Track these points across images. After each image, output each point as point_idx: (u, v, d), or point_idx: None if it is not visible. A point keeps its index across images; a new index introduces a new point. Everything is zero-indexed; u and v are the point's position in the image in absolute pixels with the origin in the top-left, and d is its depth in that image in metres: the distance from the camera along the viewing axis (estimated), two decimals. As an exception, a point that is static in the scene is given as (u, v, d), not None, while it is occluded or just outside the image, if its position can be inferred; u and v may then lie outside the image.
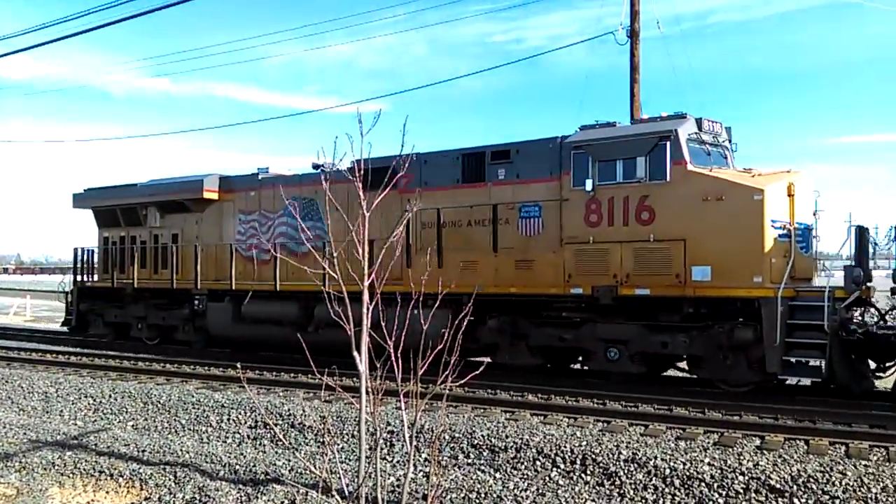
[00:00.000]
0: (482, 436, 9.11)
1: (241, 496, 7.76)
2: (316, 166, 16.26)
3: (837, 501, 6.96)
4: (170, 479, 8.34)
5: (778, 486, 7.27)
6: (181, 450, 9.47)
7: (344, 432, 9.74)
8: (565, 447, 8.56)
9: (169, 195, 19.26)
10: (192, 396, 11.94)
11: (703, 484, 7.55)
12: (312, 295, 14.99)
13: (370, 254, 12.98)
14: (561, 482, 8.06)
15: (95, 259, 21.11)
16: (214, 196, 18.40)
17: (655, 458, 8.06)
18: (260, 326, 16.72)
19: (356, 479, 5.47)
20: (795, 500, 7.09)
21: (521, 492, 7.80)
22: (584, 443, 8.67)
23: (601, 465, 8.15)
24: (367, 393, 5.05)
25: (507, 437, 9.03)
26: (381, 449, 9.05)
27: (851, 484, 7.11)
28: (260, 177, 18.01)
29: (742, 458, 7.96)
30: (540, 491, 7.81)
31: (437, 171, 14.82)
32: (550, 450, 8.57)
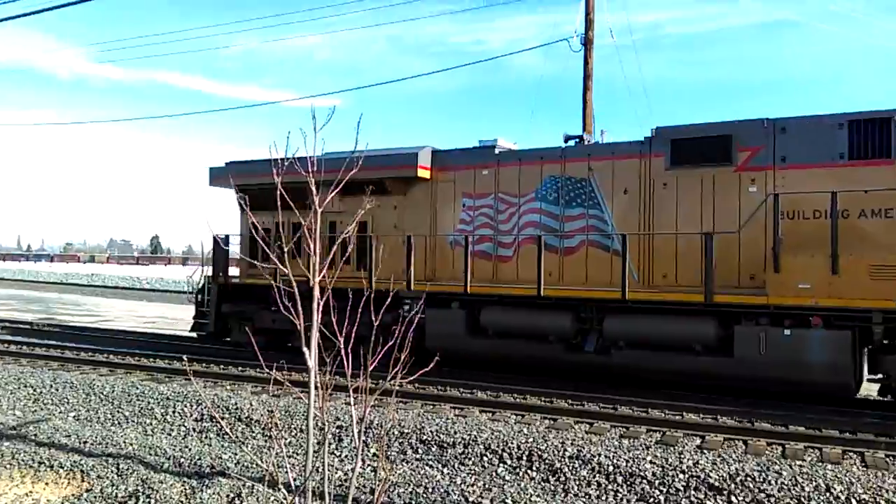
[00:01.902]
0: (431, 431, 9.16)
1: (185, 489, 7.66)
2: (569, 138, 14.05)
3: (773, 499, 7.21)
4: (112, 471, 8.19)
5: (717, 483, 7.49)
6: (124, 442, 9.29)
7: (292, 427, 9.68)
8: (512, 443, 8.67)
9: (360, 172, 17.13)
10: (137, 388, 11.72)
11: (644, 481, 7.73)
12: (593, 303, 12.64)
13: (706, 249, 11.30)
14: (507, 477, 8.16)
15: (232, 250, 16.95)
16: (426, 175, 14.88)
17: (599, 455, 8.22)
18: (507, 342, 13.33)
19: (304, 474, 5.45)
20: (733, 498, 7.32)
21: (468, 487, 7.87)
22: (531, 439, 8.79)
23: (547, 461, 8.28)
24: (316, 388, 5.04)
25: (455, 432, 9.11)
26: (330, 444, 9.05)
27: (787, 483, 7.37)
28: (497, 150, 14.57)
29: (683, 456, 8.17)
30: (487, 486, 7.89)
31: (806, 141, 11.53)
32: (498, 446, 8.67)
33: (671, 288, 12.31)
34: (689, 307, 11.71)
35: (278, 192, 17.15)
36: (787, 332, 10.86)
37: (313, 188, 5.34)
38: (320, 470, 5.47)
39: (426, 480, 8.02)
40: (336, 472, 8.14)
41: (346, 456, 8.89)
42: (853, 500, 7.00)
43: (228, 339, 16.79)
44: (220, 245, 16.38)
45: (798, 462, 8.08)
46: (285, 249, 6.62)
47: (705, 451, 8.48)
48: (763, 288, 11.24)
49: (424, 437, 9.07)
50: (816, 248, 10.78)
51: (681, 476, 7.68)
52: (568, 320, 12.69)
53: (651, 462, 8.02)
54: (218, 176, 17.12)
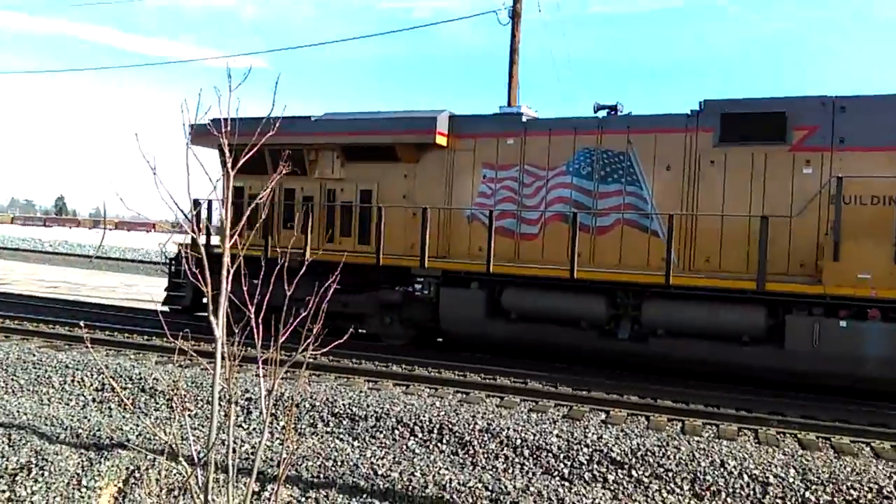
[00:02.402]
0: (343, 404, 9.11)
1: (82, 461, 7.38)
2: (601, 107, 12.91)
3: (671, 473, 7.51)
4: (2, 442, 7.79)
5: (619, 458, 7.74)
6: (18, 411, 8.85)
7: (199, 398, 9.44)
8: (424, 417, 8.71)
9: (367, 136, 13.98)
10: (34, 355, 11.15)
11: (550, 454, 7.92)
12: (630, 288, 11.76)
13: (762, 233, 10.23)
14: (417, 450, 8.21)
15: (215, 217, 15.56)
16: (443, 142, 13.56)
17: (508, 428, 8.36)
18: (532, 326, 12.30)
19: (207, 446, 5.31)
20: (633, 472, 7.58)
21: (377, 459, 7.87)
22: (443, 413, 8.86)
23: (457, 434, 8.36)
24: (224, 358, 4.89)
25: (368, 406, 9.08)
26: (238, 416, 8.88)
27: (684, 458, 7.68)
28: (524, 118, 13.41)
29: (588, 430, 8.40)
30: (396, 459, 7.92)
31: (867, 123, 10.81)
32: (410, 419, 8.70)
33: (713, 273, 11.63)
34: (737, 294, 11.08)
35: (267, 155, 13.92)
36: (843, 323, 10.39)
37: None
38: (226, 442, 5.34)
39: (336, 453, 7.98)
40: (243, 446, 8.00)
41: (254, 429, 8.73)
42: (745, 475, 7.36)
43: (204, 313, 15.99)
44: (199, 210, 14.77)
45: (696, 438, 8.44)
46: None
47: (609, 426, 8.75)
48: (814, 276, 10.80)
49: (336, 410, 9.00)
50: (879, 237, 10.29)
51: (585, 450, 7.90)
52: (602, 305, 11.83)
53: (557, 436, 8.21)
54: (200, 133, 16.03)
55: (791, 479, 7.27)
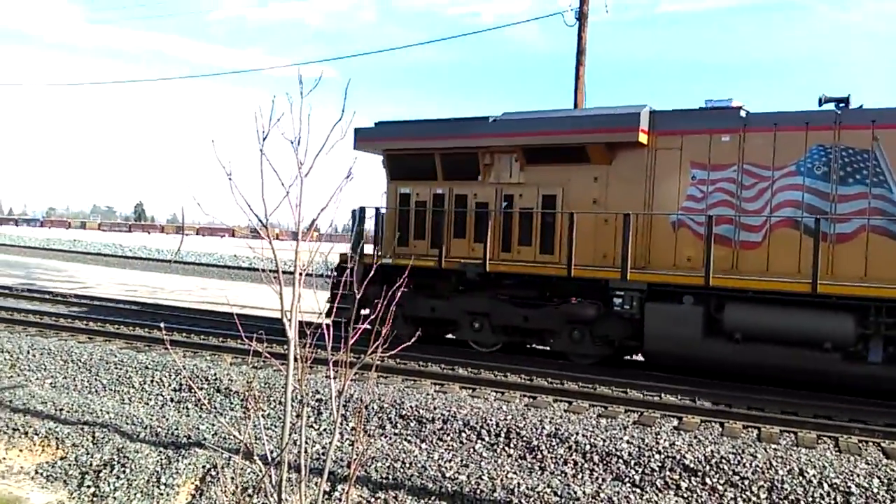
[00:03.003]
0: (410, 406, 9.17)
1: (161, 459, 7.65)
2: (829, 100, 11.43)
3: (746, 482, 7.28)
4: (87, 440, 8.15)
5: (692, 465, 7.56)
6: (101, 410, 9.24)
7: (271, 399, 9.66)
8: (491, 420, 8.70)
9: (553, 136, 12.73)
10: (115, 356, 11.63)
11: (620, 460, 7.79)
12: (887, 303, 10.14)
13: None
14: (485, 454, 8.20)
15: (367, 225, 14.36)
16: (644, 140, 12.22)
17: (577, 433, 8.27)
18: (759, 347, 10.80)
19: (280, 446, 5.43)
20: (707, 480, 7.39)
21: (445, 462, 7.90)
22: (510, 416, 8.82)
23: (525, 438, 8.32)
24: (296, 360, 5.00)
25: (435, 408, 9.12)
26: (309, 417, 9.05)
27: (760, 465, 7.44)
28: (743, 112, 11.80)
29: (660, 437, 8.23)
30: (464, 462, 7.93)
31: None
32: (477, 422, 8.70)
33: None
34: None
35: (437, 159, 14.05)
36: None
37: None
38: (297, 443, 5.45)
39: (404, 455, 8.04)
40: (314, 446, 8.15)
41: (324, 430, 8.88)
42: (825, 484, 7.09)
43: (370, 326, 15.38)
44: (363, 219, 14.09)
45: (773, 445, 8.16)
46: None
47: (682, 433, 8.55)
48: None
49: (404, 413, 9.08)
50: None
51: (657, 456, 7.75)
52: (850, 323, 10.28)
53: (628, 442, 8.08)
54: (364, 138, 14.45)
55: (875, 489, 6.96)
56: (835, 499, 6.96)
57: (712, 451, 7.72)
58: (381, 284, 14.51)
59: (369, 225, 14.25)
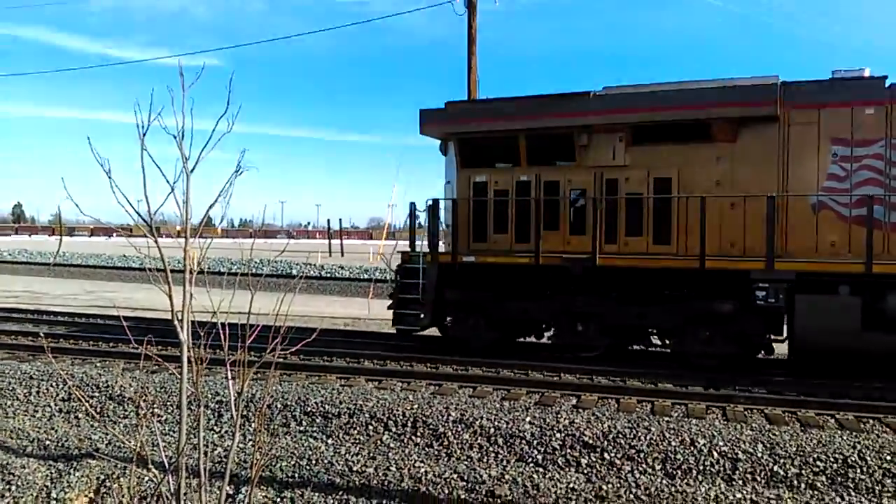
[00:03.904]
0: (316, 403, 9.07)
1: (50, 473, 7.26)
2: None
3: (642, 454, 7.62)
4: (-34, 459, 7.62)
5: (591, 441, 7.83)
6: (-19, 426, 8.67)
7: (168, 404, 9.32)
8: (398, 411, 8.72)
9: (670, 111, 11.38)
10: (-4, 368, 10.91)
11: (524, 441, 7.99)
12: None
13: None
14: (392, 445, 8.22)
15: (443, 217, 12.92)
16: (775, 114, 10.97)
17: (482, 418, 8.41)
18: None
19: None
20: (606, 455, 7.68)
21: (352, 456, 7.87)
22: (416, 406, 8.87)
23: (431, 426, 8.38)
24: (190, 362, 4.84)
25: (340, 403, 9.05)
26: (210, 419, 8.80)
27: (655, 438, 7.79)
28: (888, 83, 10.65)
29: (560, 416, 8.49)
30: (371, 454, 7.92)
31: None
32: (383, 414, 8.70)
33: None
34: None
35: (522, 142, 12.28)
36: None
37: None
38: (197, 447, 5.29)
39: (310, 452, 7.96)
40: (216, 449, 7.94)
41: (226, 432, 8.66)
42: (715, 452, 7.50)
43: (440, 333, 13.20)
44: (435, 214, 12.62)
45: (665, 418, 8.57)
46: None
47: (581, 411, 8.84)
48: None
49: (309, 409, 8.96)
50: None
51: (558, 435, 7.98)
52: None
53: (530, 423, 8.28)
54: (431, 121, 12.85)
55: (760, 455, 7.42)
56: (724, 465, 7.38)
57: (609, 427, 8.03)
58: (458, 286, 12.28)
59: (443, 219, 12.78)
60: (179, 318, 4.61)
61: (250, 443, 8.08)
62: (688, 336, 11.25)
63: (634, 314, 11.48)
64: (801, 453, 7.36)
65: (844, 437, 7.80)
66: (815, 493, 7.02)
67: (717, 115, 11.17)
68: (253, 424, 8.44)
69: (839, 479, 7.11)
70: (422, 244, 13.09)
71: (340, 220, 70.13)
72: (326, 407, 8.96)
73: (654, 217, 11.64)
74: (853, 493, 6.98)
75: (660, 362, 11.69)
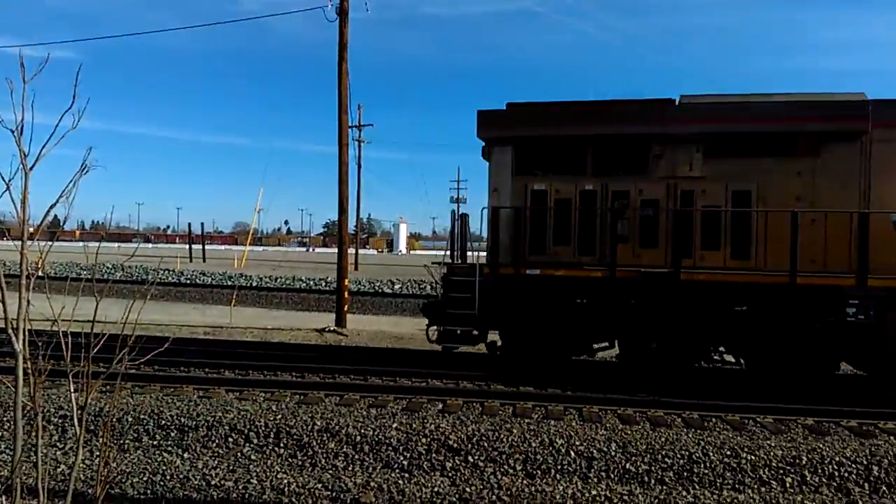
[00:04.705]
0: (171, 416, 8.63)
1: None
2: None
3: (504, 456, 7.79)
4: None
5: (455, 445, 7.93)
6: None
7: (4, 420, 8.56)
8: (260, 422, 8.45)
9: (754, 124, 11.19)
10: None
11: (390, 448, 7.96)
12: None
13: None
14: (253, 457, 7.95)
15: (502, 228, 11.88)
16: (863, 128, 10.96)
17: (348, 426, 8.31)
18: None
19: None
20: (470, 458, 7.80)
21: (210, 470, 7.55)
22: (280, 416, 8.64)
23: (295, 437, 8.19)
24: (27, 374, 4.45)
25: (198, 415, 8.66)
26: (52, 436, 8.17)
27: (516, 440, 8.00)
28: None
29: (426, 421, 8.54)
30: (231, 468, 7.63)
31: None
32: (244, 425, 8.40)
33: None
34: None
35: (589, 150, 11.47)
36: None
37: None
38: (36, 464, 4.87)
39: (164, 467, 7.56)
40: (58, 467, 7.37)
41: (70, 448, 8.06)
42: (572, 452, 7.80)
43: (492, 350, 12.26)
44: (498, 222, 11.77)
45: (526, 420, 8.82)
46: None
47: (447, 415, 8.94)
48: None
49: (163, 422, 8.51)
50: None
51: (423, 440, 8.02)
52: None
53: (397, 429, 8.27)
54: (492, 122, 12.13)
55: (613, 453, 7.79)
56: (580, 464, 7.69)
57: (473, 430, 8.16)
58: (519, 300, 11.45)
59: (503, 230, 11.83)
60: (14, 326, 4.23)
61: (98, 459, 7.56)
62: (771, 353, 10.94)
63: (717, 331, 11.14)
64: (651, 451, 7.80)
65: (690, 435, 8.34)
66: (664, 487, 7.45)
67: (804, 129, 11.14)
68: (103, 439, 7.90)
69: (685, 473, 7.58)
70: (474, 255, 12.36)
71: (203, 223, 67.56)
72: (183, 420, 8.54)
73: (731, 231, 11.32)
74: (697, 487, 7.46)
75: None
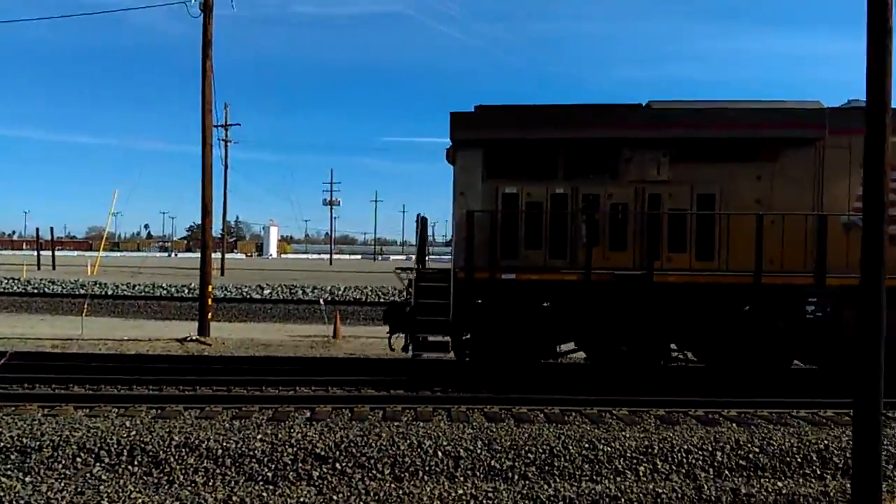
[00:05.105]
0: (10, 437, 7.95)
1: None
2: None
3: (372, 461, 7.74)
4: None
5: (323, 453, 7.79)
6: None
7: None
8: (112, 439, 7.94)
9: (721, 129, 11.37)
10: None
11: (254, 460, 7.71)
12: None
13: None
14: (104, 477, 7.47)
15: (477, 232, 11.55)
16: (821, 134, 11.48)
17: (209, 439, 7.97)
18: None
19: None
20: (338, 465, 7.69)
21: (55, 494, 7.04)
22: (134, 432, 8.16)
23: (151, 453, 7.76)
24: None
25: (42, 435, 8.03)
26: None
27: (385, 444, 7.96)
28: None
29: (293, 430, 8.34)
30: (79, 489, 7.14)
31: None
32: (94, 444, 7.87)
33: None
34: None
35: (561, 154, 11.32)
36: None
37: None
38: None
39: (1, 493, 6.95)
40: None
41: None
42: (440, 453, 7.86)
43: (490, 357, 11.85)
44: (471, 227, 11.45)
45: (396, 423, 8.81)
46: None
47: (314, 423, 8.77)
48: None
49: (1, 444, 7.83)
50: None
51: (290, 450, 7.83)
52: None
53: (261, 440, 8.02)
54: (465, 124, 11.86)
55: (479, 451, 7.92)
56: (447, 464, 7.76)
57: (342, 437, 8.06)
58: (493, 305, 11.27)
59: (477, 233, 11.58)
60: None
61: (-78, 491, 6.85)
62: (734, 351, 11.42)
63: (686, 331, 11.51)
64: (515, 447, 8.00)
65: (551, 430, 8.63)
66: (527, 482, 7.66)
67: (765, 134, 11.58)
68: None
69: (547, 467, 7.83)
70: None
71: (52, 228, 63.01)
72: (25, 440, 7.89)
73: (697, 233, 11.68)
74: (558, 480, 7.72)
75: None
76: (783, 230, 11.43)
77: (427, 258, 12.79)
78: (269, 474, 7.55)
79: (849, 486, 7.43)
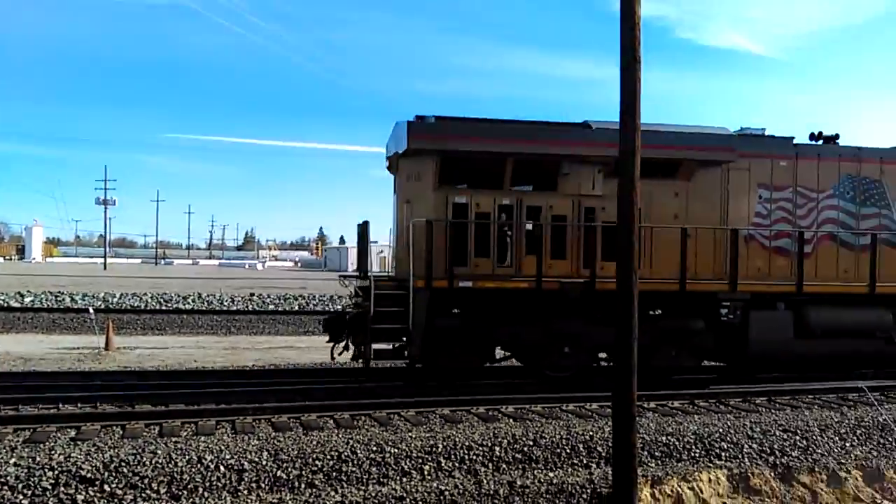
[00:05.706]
0: None
1: None
2: (820, 137, 13.90)
3: (147, 480, 7.25)
4: None
5: (89, 475, 7.17)
6: None
7: None
8: None
9: (652, 149, 10.81)
10: None
11: (6, 487, 6.92)
12: None
13: None
14: None
15: (435, 241, 11.51)
16: (731, 157, 13.06)
17: (-52, 469, 7.02)
18: (832, 341, 13.00)
19: None
20: (106, 487, 7.11)
21: None
22: None
23: None
24: None
25: None
26: None
27: (161, 461, 7.49)
28: (795, 142, 13.68)
29: (54, 452, 7.59)
30: None
31: None
32: None
33: None
34: None
35: (509, 166, 11.78)
36: None
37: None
38: None
39: None
40: None
41: None
42: (221, 467, 7.55)
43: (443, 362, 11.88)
44: (429, 233, 11.52)
45: (174, 439, 8.33)
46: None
47: (80, 443, 8.04)
48: None
49: None
50: None
51: (50, 474, 7.12)
52: (890, 316, 13.34)
53: (16, 465, 7.22)
54: (422, 134, 11.84)
55: (265, 462, 7.72)
56: (230, 478, 7.48)
57: (111, 457, 7.47)
58: (448, 312, 11.74)
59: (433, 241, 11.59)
60: None
61: None
62: (663, 352, 12.55)
63: (606, 335, 11.43)
64: (302, 455, 7.90)
65: (340, 436, 8.64)
66: (314, 490, 7.60)
67: (684, 156, 12.83)
68: None
69: (334, 474, 7.83)
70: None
71: None
72: None
73: (646, 244, 12.47)
74: (346, 485, 7.75)
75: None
76: (696, 242, 12.82)
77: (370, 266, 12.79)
78: (25, 502, 6.80)
79: (611, 472, 8.21)
